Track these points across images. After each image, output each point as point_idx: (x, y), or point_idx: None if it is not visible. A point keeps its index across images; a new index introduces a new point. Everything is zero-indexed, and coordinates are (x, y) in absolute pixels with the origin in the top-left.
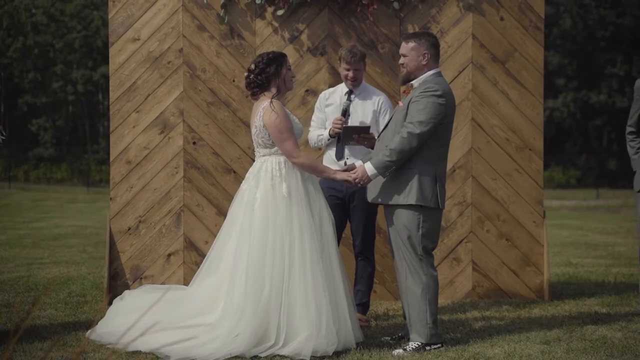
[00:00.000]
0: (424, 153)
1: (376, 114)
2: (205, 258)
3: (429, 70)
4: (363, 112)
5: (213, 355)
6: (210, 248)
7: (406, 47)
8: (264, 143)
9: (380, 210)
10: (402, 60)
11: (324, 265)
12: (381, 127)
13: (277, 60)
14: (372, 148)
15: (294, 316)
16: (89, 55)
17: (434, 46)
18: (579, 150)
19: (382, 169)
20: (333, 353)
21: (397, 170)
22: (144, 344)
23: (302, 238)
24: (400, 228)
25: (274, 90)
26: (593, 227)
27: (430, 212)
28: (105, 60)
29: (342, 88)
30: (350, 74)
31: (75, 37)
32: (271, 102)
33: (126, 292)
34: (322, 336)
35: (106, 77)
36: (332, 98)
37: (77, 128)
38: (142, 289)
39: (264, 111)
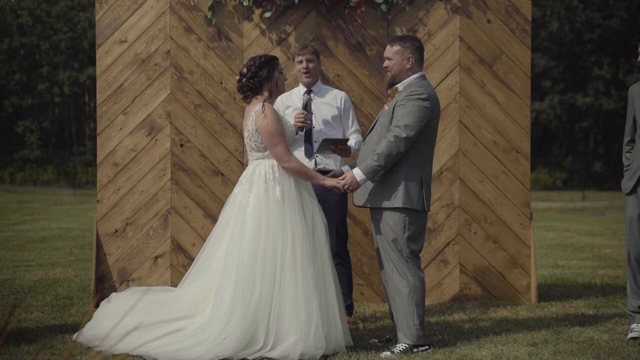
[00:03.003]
0: (409, 156)
1: (340, 110)
2: (195, 260)
3: (413, 73)
4: (325, 109)
5: (201, 358)
6: (200, 250)
7: (391, 50)
8: (256, 147)
9: (367, 212)
10: (386, 63)
11: (316, 269)
12: (344, 125)
13: (269, 63)
14: (347, 157)
15: (284, 320)
16: (75, 56)
17: (419, 50)
18: (565, 153)
19: (370, 174)
20: (321, 356)
21: (383, 173)
22: (130, 343)
23: (294, 242)
24: (387, 230)
25: (266, 93)
26: (579, 229)
27: (416, 214)
28: (92, 62)
29: (299, 90)
30: (303, 64)
31: (61, 39)
32: (263, 106)
33: (113, 294)
34: (310, 340)
35: (93, 79)
36: (290, 100)
37: (63, 130)
38: (129, 291)
39: (255, 115)
